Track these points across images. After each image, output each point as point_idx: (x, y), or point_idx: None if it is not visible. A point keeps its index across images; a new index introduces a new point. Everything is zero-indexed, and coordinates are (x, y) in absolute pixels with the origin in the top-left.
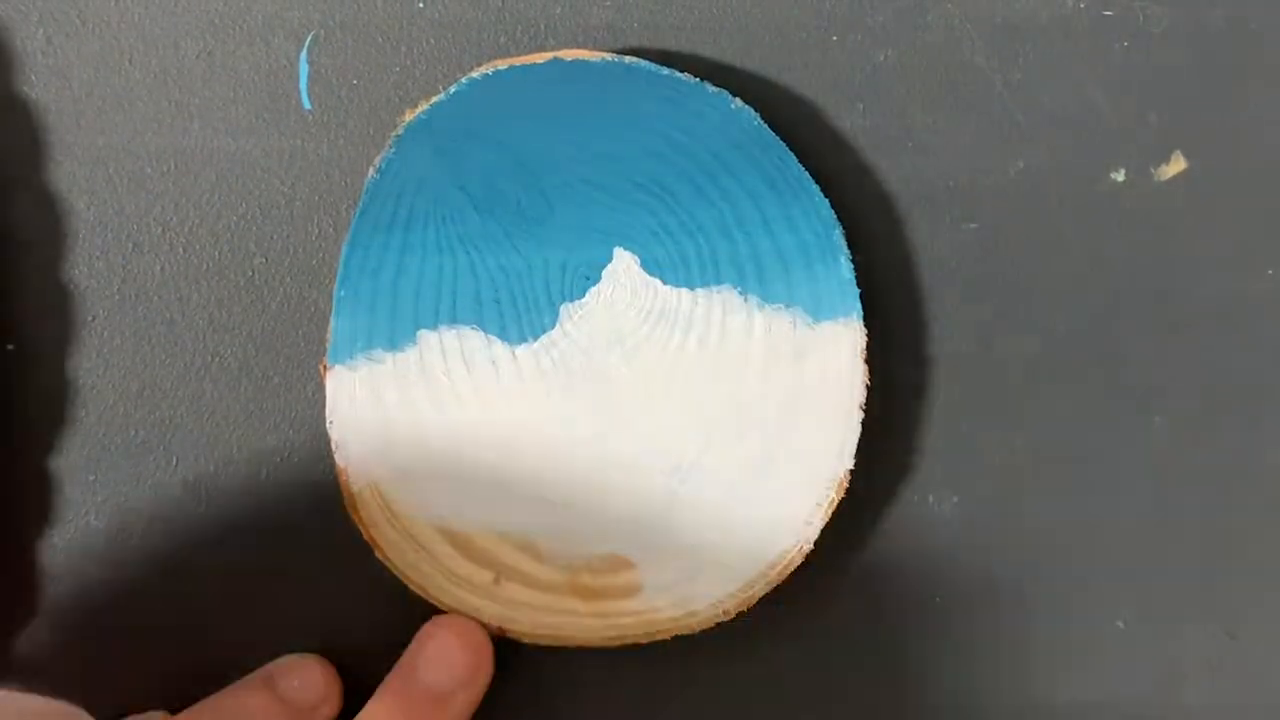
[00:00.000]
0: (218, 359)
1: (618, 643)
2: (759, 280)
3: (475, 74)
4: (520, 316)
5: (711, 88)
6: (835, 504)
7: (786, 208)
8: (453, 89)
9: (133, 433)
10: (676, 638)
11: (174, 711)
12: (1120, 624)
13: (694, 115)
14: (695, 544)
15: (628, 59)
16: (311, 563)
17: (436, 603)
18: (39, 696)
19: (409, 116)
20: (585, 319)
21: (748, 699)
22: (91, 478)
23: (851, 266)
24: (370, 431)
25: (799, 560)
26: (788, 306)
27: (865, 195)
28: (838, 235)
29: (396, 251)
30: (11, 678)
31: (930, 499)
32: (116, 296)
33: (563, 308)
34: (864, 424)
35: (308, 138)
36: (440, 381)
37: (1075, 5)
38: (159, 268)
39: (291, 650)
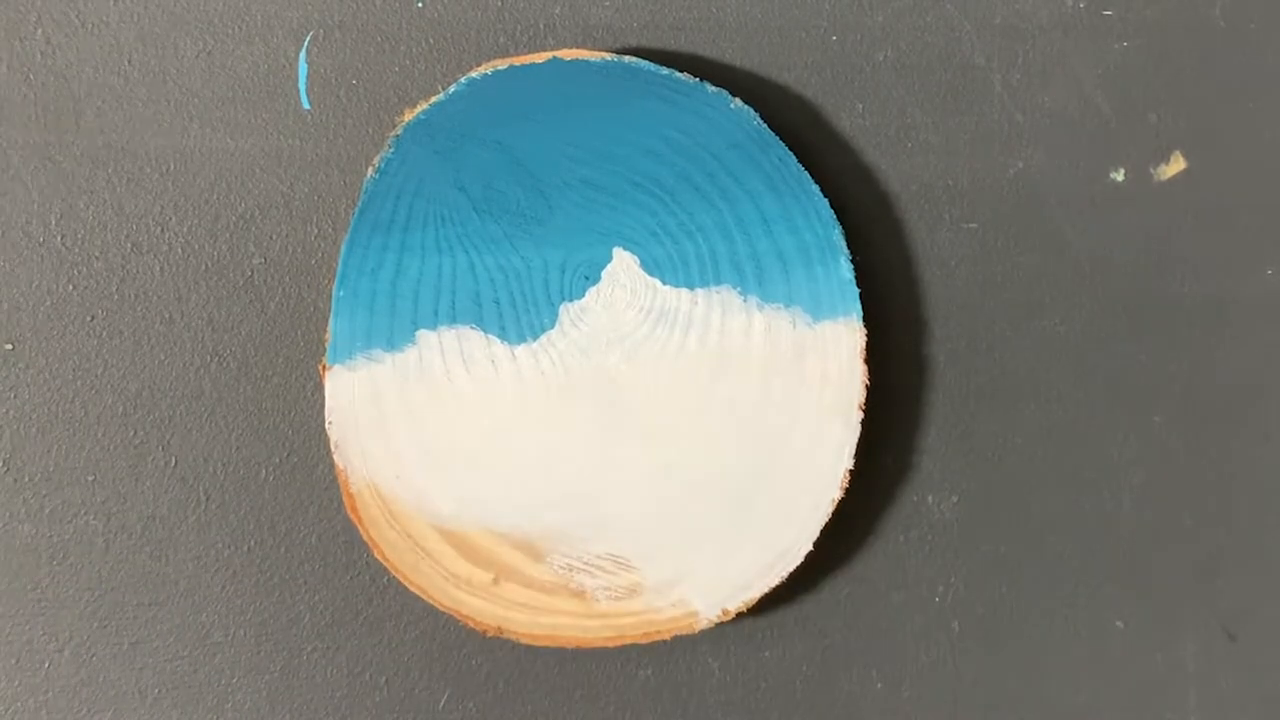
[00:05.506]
0: (218, 359)
1: (617, 643)
2: (759, 280)
3: (475, 74)
4: (520, 316)
5: (711, 88)
6: (835, 504)
7: (786, 208)
8: (452, 89)
9: (132, 433)
10: (676, 638)
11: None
12: (1120, 624)
13: (694, 115)
14: (695, 544)
15: (628, 59)
16: (311, 563)
17: (436, 603)
18: None
19: (408, 116)
20: (585, 319)
21: (748, 699)
22: (91, 478)
23: (851, 266)
24: (370, 431)
25: (799, 560)
26: (788, 306)
27: (865, 195)
28: (838, 235)
29: (395, 251)
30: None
31: (930, 499)
32: (116, 296)
33: (562, 308)
34: (864, 424)
35: (307, 138)
36: (440, 381)
37: (1075, 5)
38: (159, 268)
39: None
